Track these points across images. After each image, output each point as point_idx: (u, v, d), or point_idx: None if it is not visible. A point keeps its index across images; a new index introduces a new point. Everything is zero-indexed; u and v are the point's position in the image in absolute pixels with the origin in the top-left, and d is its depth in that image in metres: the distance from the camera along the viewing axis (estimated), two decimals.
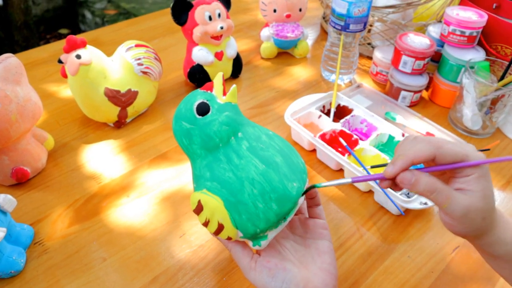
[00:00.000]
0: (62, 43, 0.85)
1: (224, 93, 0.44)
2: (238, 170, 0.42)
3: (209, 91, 0.44)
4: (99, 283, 0.55)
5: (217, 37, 0.84)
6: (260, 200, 0.42)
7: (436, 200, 0.39)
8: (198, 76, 0.88)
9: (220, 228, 0.43)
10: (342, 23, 0.84)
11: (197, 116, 0.43)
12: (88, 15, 2.59)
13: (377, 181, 0.42)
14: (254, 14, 1.25)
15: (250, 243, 0.46)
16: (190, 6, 0.82)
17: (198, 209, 0.44)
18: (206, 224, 0.44)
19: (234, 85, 0.44)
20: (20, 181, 0.67)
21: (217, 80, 0.44)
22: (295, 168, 0.44)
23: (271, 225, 0.43)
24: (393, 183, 0.41)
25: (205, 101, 0.43)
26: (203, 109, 0.43)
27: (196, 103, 0.43)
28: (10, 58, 0.61)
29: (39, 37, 2.54)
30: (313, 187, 0.45)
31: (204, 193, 0.43)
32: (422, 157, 0.39)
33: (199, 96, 0.44)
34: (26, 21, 2.32)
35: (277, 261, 0.46)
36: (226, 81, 0.94)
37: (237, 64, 0.93)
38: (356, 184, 0.69)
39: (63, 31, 2.73)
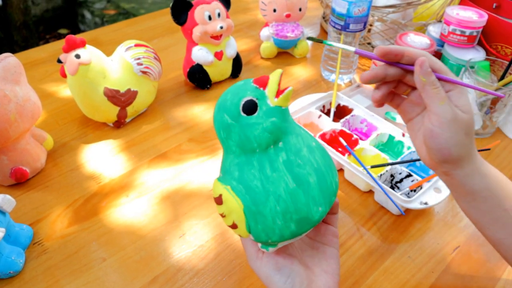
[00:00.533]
0: (61, 43, 0.85)
1: (278, 94, 0.39)
2: (268, 182, 0.40)
3: (261, 88, 0.40)
4: (99, 283, 0.55)
5: (216, 37, 0.84)
6: (281, 217, 0.40)
7: (437, 94, 0.41)
8: (197, 76, 0.88)
9: (233, 226, 0.43)
10: (342, 23, 0.84)
11: (242, 114, 0.40)
12: (88, 15, 2.59)
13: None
14: (254, 14, 1.25)
15: (259, 244, 0.45)
16: (189, 6, 0.82)
17: (218, 201, 0.43)
18: (222, 215, 0.43)
19: (290, 87, 0.39)
20: (19, 181, 0.67)
21: (274, 78, 0.39)
22: (326, 190, 0.41)
23: (284, 240, 0.42)
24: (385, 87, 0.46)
25: (254, 99, 0.39)
26: (249, 108, 0.39)
27: (244, 100, 0.40)
28: (9, 58, 0.60)
29: (38, 37, 2.54)
30: (321, 41, 0.48)
31: (228, 190, 0.41)
32: (416, 52, 0.43)
33: (249, 92, 0.40)
34: (25, 21, 2.32)
35: (285, 255, 0.46)
36: (226, 81, 0.94)
37: (237, 64, 0.93)
38: (356, 184, 0.69)
39: (63, 31, 2.73)
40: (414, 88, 0.46)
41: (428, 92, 0.41)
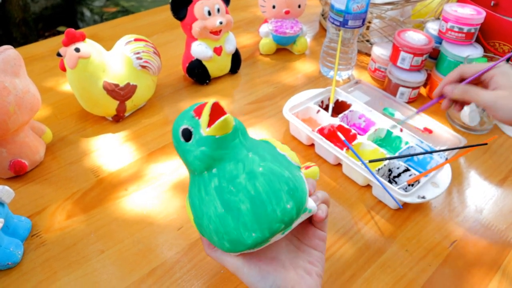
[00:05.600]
0: (60, 38, 0.85)
1: (210, 124, 0.40)
2: (202, 203, 0.42)
3: (197, 118, 0.42)
4: (96, 275, 0.55)
5: (216, 32, 0.84)
6: (215, 235, 0.42)
7: (471, 97, 0.60)
8: (197, 71, 0.88)
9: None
10: (341, 19, 0.84)
11: (181, 139, 0.43)
12: (87, 12, 2.59)
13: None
14: (253, 11, 1.25)
15: None
16: (189, 1, 0.82)
17: None
18: None
19: (223, 117, 0.40)
20: (18, 174, 0.67)
21: (206, 109, 0.40)
22: (264, 217, 0.40)
23: (232, 252, 0.44)
24: (447, 102, 0.64)
25: (189, 128, 0.42)
26: (185, 136, 0.42)
27: (181, 128, 0.42)
28: (8, 50, 0.60)
29: (37, 35, 2.54)
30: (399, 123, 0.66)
31: (186, 199, 0.46)
32: (452, 75, 0.63)
33: (186, 121, 0.42)
34: (24, 18, 2.31)
35: (267, 261, 0.46)
36: (225, 76, 0.94)
37: (236, 60, 0.93)
38: (354, 178, 0.69)
39: (62, 28, 2.72)
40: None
41: (468, 99, 0.61)
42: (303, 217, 0.45)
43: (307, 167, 0.52)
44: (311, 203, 0.45)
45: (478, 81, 0.62)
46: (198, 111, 0.41)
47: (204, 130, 0.41)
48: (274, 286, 0.44)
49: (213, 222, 0.41)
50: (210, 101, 0.40)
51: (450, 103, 0.64)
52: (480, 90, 0.58)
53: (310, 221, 0.49)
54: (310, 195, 0.47)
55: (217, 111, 0.40)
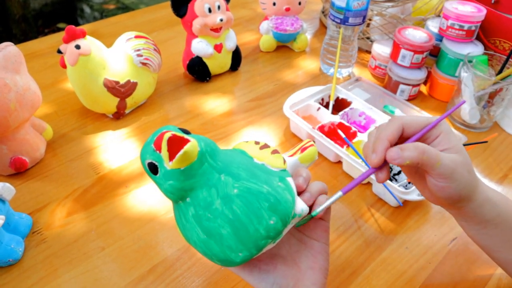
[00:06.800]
0: (60, 35, 0.85)
1: (171, 157, 0.38)
2: (185, 229, 0.42)
3: (158, 152, 0.39)
4: (97, 272, 0.55)
5: (216, 29, 0.84)
6: (205, 255, 0.42)
7: (429, 161, 0.40)
8: (197, 69, 0.88)
9: None
10: (341, 16, 0.84)
11: (150, 172, 0.41)
12: (87, 9, 2.58)
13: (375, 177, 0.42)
14: (254, 8, 1.25)
15: None
16: None
17: None
18: None
19: (183, 150, 0.37)
20: (18, 171, 0.67)
21: (163, 144, 0.38)
22: (247, 238, 0.40)
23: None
24: (386, 171, 0.42)
25: (154, 162, 0.40)
26: (152, 170, 0.41)
27: (146, 162, 0.40)
28: (9, 47, 0.60)
29: (37, 31, 2.54)
30: (309, 218, 0.44)
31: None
32: (393, 131, 0.41)
33: (148, 155, 0.40)
34: (24, 15, 2.31)
35: (268, 259, 0.45)
36: (225, 73, 0.94)
37: (236, 57, 0.93)
38: (354, 176, 0.69)
39: (62, 25, 2.72)
40: None
41: (423, 164, 0.40)
42: (293, 222, 0.43)
43: (303, 149, 0.48)
44: (300, 207, 0.43)
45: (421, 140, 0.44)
46: (158, 144, 0.39)
47: (168, 164, 0.39)
48: (276, 286, 0.43)
49: (199, 247, 0.41)
50: (166, 135, 0.37)
51: (389, 173, 0.44)
52: (439, 151, 0.41)
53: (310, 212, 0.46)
54: (302, 193, 0.45)
55: (175, 144, 0.37)
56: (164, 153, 0.38)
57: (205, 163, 0.40)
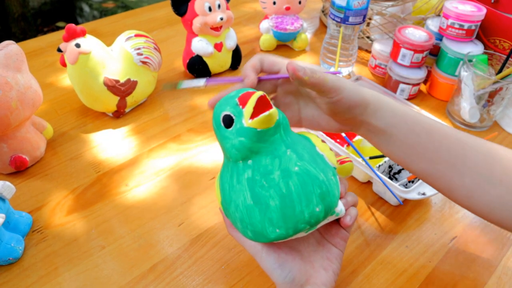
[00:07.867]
0: (60, 33, 0.85)
1: (253, 116, 0.39)
2: (232, 190, 0.43)
3: (240, 106, 0.40)
4: (97, 271, 0.55)
5: (216, 28, 0.84)
6: (239, 223, 0.43)
7: (319, 78, 0.43)
8: (197, 67, 0.88)
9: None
10: (342, 15, 0.84)
11: (221, 124, 0.42)
12: (86, 8, 2.58)
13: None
14: (254, 7, 1.25)
15: None
16: None
17: None
18: None
19: (268, 111, 0.39)
20: (18, 169, 0.67)
21: (252, 99, 0.39)
22: (291, 217, 0.40)
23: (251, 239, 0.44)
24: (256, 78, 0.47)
25: (231, 115, 0.41)
26: (226, 122, 0.41)
27: (223, 114, 0.42)
28: (11, 45, 0.61)
29: (36, 30, 2.53)
30: (175, 87, 0.49)
31: (216, 180, 0.47)
32: (255, 62, 0.47)
33: (228, 107, 0.41)
34: (23, 13, 2.31)
35: (287, 250, 0.46)
36: (225, 72, 0.94)
37: (237, 56, 0.93)
38: (354, 175, 0.69)
39: (61, 24, 2.72)
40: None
41: (315, 82, 0.43)
42: (329, 219, 0.45)
43: (342, 162, 0.50)
44: (340, 207, 0.45)
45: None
46: (243, 100, 0.40)
47: (246, 121, 0.40)
48: (290, 276, 0.44)
49: (240, 211, 0.42)
50: (258, 92, 0.39)
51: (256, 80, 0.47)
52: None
53: (337, 219, 0.48)
54: (341, 198, 0.47)
55: (262, 104, 0.39)
56: (248, 109, 0.39)
57: (277, 134, 0.42)
